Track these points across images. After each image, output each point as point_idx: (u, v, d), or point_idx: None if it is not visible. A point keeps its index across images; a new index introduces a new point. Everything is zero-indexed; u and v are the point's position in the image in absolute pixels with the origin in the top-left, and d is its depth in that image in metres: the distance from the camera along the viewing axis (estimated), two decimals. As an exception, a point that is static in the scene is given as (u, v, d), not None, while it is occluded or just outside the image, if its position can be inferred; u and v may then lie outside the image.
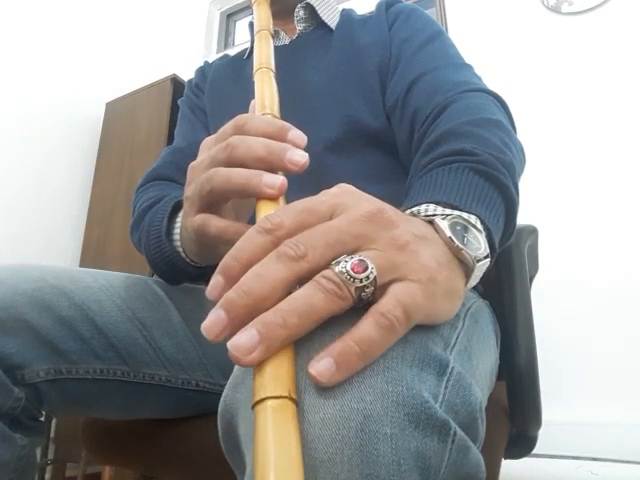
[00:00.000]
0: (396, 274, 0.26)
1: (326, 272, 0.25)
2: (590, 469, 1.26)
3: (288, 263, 0.25)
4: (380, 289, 0.26)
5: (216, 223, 0.38)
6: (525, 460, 0.60)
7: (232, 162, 0.36)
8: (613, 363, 1.40)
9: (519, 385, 0.52)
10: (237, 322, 0.25)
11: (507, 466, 0.56)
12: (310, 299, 0.25)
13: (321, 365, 0.24)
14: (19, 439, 0.45)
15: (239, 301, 0.25)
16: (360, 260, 0.26)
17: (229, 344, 0.24)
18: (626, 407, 1.34)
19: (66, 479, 1.82)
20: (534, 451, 0.56)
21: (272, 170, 0.35)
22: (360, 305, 0.26)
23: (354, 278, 0.25)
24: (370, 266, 0.25)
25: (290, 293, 0.25)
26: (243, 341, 0.24)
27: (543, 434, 0.55)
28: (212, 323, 0.25)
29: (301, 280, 0.26)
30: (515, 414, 0.53)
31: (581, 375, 1.43)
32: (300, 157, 0.35)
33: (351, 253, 0.27)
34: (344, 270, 0.25)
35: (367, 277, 0.25)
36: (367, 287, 0.25)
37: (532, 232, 0.57)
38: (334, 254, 0.26)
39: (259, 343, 0.24)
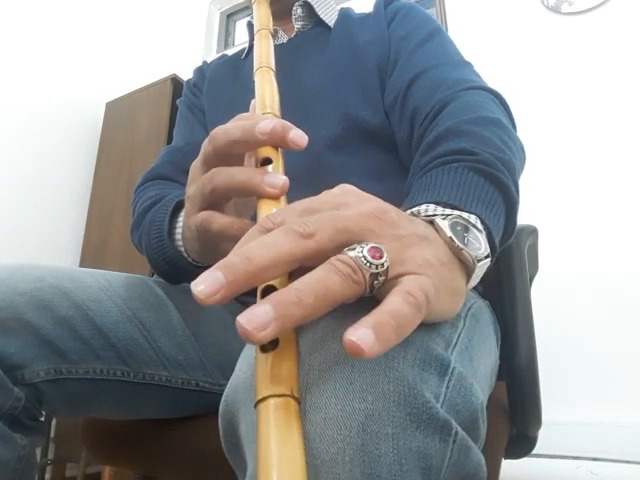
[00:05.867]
0: (403, 268, 0.26)
1: (341, 256, 0.25)
2: (590, 469, 1.26)
3: (296, 238, 0.25)
4: (387, 283, 0.26)
5: (219, 219, 0.38)
6: (525, 460, 0.60)
7: (217, 153, 0.36)
8: (613, 363, 1.40)
9: (519, 385, 0.52)
10: (233, 287, 0.23)
11: (507, 466, 0.56)
12: (326, 281, 0.23)
13: (361, 333, 0.21)
14: (19, 439, 0.45)
15: (240, 265, 0.23)
16: (375, 247, 0.25)
17: (240, 317, 0.22)
18: (626, 407, 1.34)
19: (66, 479, 1.82)
20: (534, 451, 0.56)
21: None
22: (370, 294, 0.25)
23: (371, 263, 0.24)
24: (385, 254, 0.25)
25: (292, 275, 0.24)
26: (256, 315, 0.22)
27: (543, 434, 0.55)
28: (207, 282, 0.22)
29: (306, 261, 0.25)
30: (515, 414, 0.53)
31: (581, 375, 1.43)
32: (267, 125, 0.34)
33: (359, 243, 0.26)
34: (360, 255, 0.24)
35: (382, 264, 0.25)
36: (380, 275, 0.25)
37: (532, 232, 0.57)
38: (342, 240, 0.26)
39: (273, 320, 0.22)
